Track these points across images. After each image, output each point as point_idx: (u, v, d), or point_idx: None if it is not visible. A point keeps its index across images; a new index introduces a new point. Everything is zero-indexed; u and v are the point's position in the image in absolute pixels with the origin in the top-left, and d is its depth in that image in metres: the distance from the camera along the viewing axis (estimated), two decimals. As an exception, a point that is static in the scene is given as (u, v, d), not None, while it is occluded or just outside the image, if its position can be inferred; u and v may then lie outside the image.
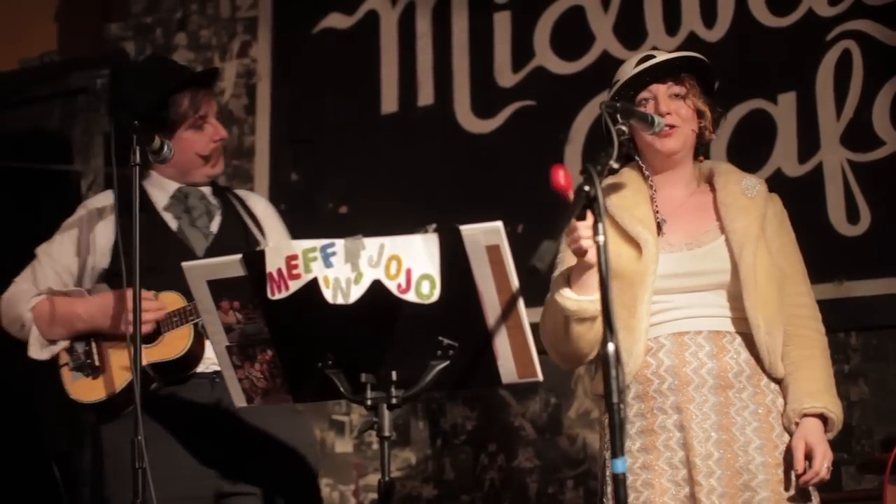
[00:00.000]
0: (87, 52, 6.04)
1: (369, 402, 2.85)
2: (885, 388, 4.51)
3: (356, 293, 2.77)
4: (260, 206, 3.85)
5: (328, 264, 2.79)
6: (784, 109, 4.75)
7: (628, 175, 3.35)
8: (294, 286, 2.81)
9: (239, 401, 3.04)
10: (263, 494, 3.50)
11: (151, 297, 3.45)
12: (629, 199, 3.29)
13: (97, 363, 3.55)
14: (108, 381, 3.51)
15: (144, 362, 3.43)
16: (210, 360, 3.49)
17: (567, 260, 3.17)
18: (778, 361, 3.18)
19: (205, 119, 3.68)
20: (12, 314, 3.65)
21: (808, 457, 3.11)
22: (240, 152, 5.71)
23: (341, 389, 2.88)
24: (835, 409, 3.16)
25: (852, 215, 4.57)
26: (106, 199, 3.71)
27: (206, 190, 3.76)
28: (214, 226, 3.69)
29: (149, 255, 3.41)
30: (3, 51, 6.09)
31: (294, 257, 2.81)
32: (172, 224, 3.65)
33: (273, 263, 2.83)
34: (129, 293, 3.36)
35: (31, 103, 6.10)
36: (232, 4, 5.87)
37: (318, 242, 2.81)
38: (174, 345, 3.48)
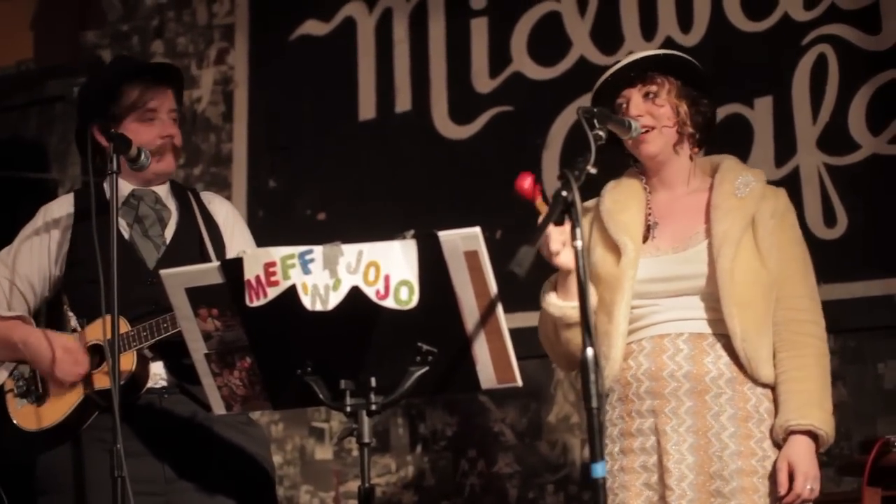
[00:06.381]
0: (63, 60, 6.02)
1: (349, 409, 2.85)
2: (863, 391, 4.52)
3: (335, 300, 2.77)
4: (222, 211, 3.70)
5: (306, 271, 2.79)
6: (760, 113, 4.77)
7: (628, 178, 3.36)
8: (272, 293, 2.81)
9: (218, 408, 3.04)
10: None
11: (77, 350, 3.40)
12: (621, 202, 3.30)
13: (41, 389, 3.49)
14: (53, 408, 3.46)
15: (88, 390, 3.42)
16: (159, 376, 3.45)
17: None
18: (761, 367, 3.14)
19: (155, 113, 3.56)
20: None
21: (793, 477, 3.07)
22: (217, 159, 5.70)
23: (320, 396, 2.88)
24: (823, 426, 3.10)
25: (829, 218, 4.58)
26: (65, 204, 3.62)
27: (162, 191, 3.63)
28: (168, 234, 3.58)
29: (97, 266, 3.36)
30: (-20, 59, 6.07)
31: (272, 264, 2.80)
32: (125, 232, 3.53)
33: (251, 271, 2.82)
34: (65, 341, 3.39)
35: (7, 111, 6.09)
36: (209, 11, 5.85)
37: (297, 249, 2.81)
38: None
